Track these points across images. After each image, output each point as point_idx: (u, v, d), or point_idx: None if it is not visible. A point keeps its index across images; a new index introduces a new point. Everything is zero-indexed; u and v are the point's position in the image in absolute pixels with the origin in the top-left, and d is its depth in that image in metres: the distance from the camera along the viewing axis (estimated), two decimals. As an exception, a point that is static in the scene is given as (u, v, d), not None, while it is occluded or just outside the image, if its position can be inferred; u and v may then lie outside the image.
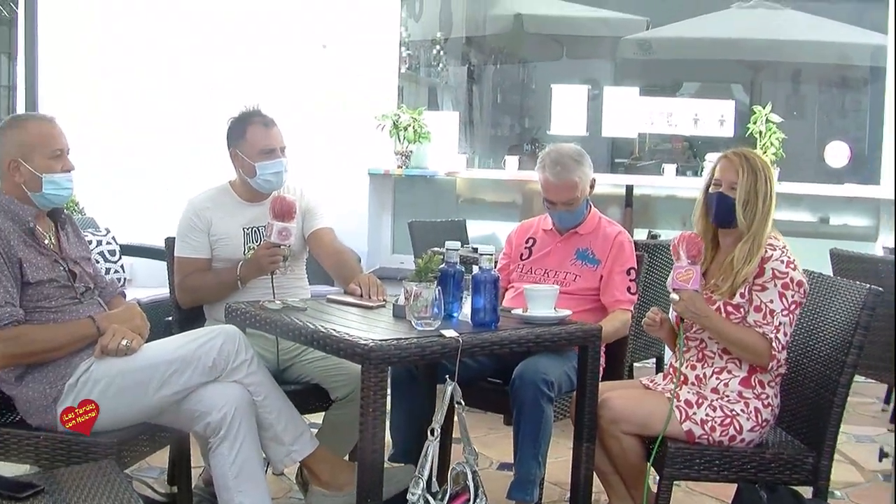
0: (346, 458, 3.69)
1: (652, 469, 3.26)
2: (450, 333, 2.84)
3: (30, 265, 3.06)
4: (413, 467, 2.99)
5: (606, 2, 9.36)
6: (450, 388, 2.86)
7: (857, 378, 3.27)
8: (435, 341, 2.80)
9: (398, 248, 7.19)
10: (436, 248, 5.11)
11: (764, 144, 6.37)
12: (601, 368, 3.89)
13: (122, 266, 5.73)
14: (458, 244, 3.23)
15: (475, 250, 5.43)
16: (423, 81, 9.05)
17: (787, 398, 3.36)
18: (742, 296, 3.21)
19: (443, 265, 3.18)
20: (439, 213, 6.50)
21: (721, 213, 3.26)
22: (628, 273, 3.88)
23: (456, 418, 3.16)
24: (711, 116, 6.60)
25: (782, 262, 3.18)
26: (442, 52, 9.01)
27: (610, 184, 6.90)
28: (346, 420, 3.54)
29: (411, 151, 6.88)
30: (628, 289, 3.84)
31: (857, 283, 3.23)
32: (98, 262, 5.47)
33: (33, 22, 6.15)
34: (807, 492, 3.19)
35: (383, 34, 7.10)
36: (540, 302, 3.20)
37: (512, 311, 3.29)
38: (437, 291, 2.93)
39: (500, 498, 3.52)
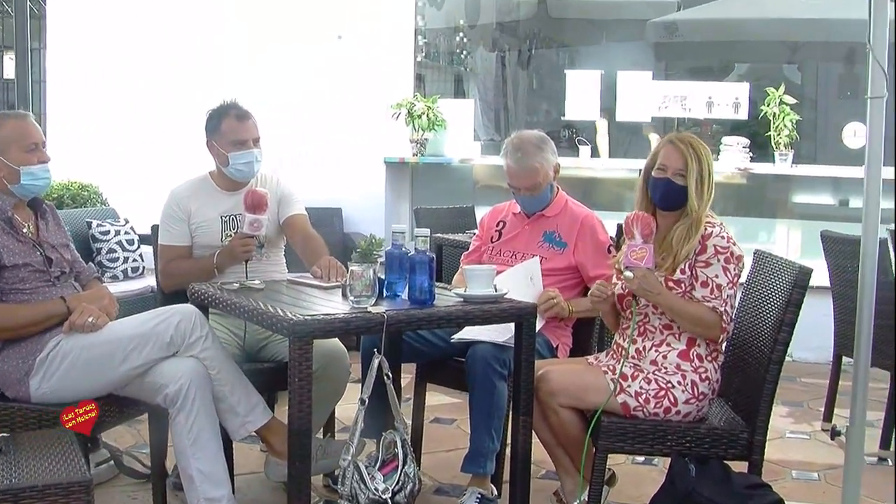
0: (321, 432, 3.87)
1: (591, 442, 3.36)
2: (377, 310, 2.97)
3: (6, 250, 3.28)
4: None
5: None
6: (376, 362, 2.98)
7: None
8: (360, 316, 2.93)
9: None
10: (438, 234, 5.26)
11: (777, 126, 6.36)
12: (567, 348, 4.03)
13: (140, 255, 5.87)
14: (404, 227, 3.36)
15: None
16: (448, 69, 9.12)
17: (732, 374, 3.43)
18: (682, 272, 3.29)
19: (389, 247, 3.29)
20: (455, 199, 6.50)
21: (668, 198, 3.34)
22: (609, 251, 3.97)
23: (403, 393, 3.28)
24: (726, 100, 6.53)
25: (722, 237, 3.28)
26: (466, 40, 9.06)
27: (625, 168, 6.98)
28: (316, 396, 3.71)
29: (426, 139, 6.93)
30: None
31: (792, 262, 3.29)
32: (116, 251, 5.74)
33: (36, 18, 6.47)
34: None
35: (398, 23, 7.16)
36: (477, 281, 3.28)
37: (453, 291, 3.40)
38: (373, 272, 3.08)
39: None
